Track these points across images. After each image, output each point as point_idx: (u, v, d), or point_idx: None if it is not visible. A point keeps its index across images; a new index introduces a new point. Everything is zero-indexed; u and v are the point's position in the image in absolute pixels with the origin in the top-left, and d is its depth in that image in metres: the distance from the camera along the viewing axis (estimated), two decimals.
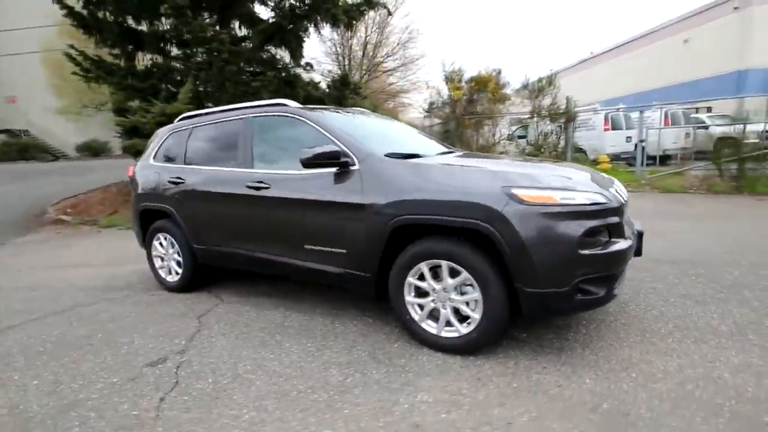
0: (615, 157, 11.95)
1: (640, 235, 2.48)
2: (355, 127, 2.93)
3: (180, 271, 3.55)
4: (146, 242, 3.73)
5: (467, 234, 2.16)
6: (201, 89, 9.07)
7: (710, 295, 2.88)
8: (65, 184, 11.63)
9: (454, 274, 2.20)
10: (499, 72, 13.78)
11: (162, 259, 3.71)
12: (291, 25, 9.27)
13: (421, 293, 2.36)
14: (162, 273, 3.71)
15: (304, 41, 10.57)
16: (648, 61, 21.69)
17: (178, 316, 3.08)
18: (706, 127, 12.75)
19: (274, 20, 9.40)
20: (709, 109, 15.69)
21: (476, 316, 2.16)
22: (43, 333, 2.90)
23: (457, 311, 2.26)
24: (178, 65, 10.35)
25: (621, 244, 2.10)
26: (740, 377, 1.93)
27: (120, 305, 3.39)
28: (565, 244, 1.96)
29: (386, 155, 2.49)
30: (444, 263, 2.20)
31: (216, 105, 8.85)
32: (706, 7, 18.12)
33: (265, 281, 3.72)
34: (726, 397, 1.80)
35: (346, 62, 17.44)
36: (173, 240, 3.51)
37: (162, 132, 3.82)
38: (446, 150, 3.28)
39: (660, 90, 18.86)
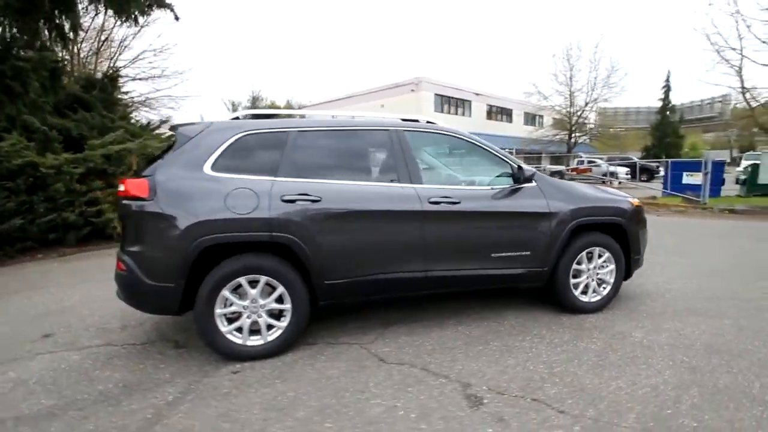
0: None
1: None
2: None
3: (284, 324, 2.58)
4: (207, 298, 2.42)
5: (603, 227, 3.30)
6: None
7: None
8: None
9: (599, 256, 3.27)
10: (289, 104, 14.54)
11: (230, 320, 2.52)
12: None
13: (573, 275, 3.25)
14: (234, 338, 2.51)
15: (79, 21, 7.68)
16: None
17: (356, 371, 2.42)
18: None
19: None
20: None
21: (611, 280, 3.32)
22: None
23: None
24: None
25: None
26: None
27: (223, 401, 2.15)
28: (646, 228, 3.51)
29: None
30: (596, 249, 3.24)
31: None
32: (394, 84, 25.99)
33: (340, 316, 3.24)
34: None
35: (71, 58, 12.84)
36: (274, 283, 2.54)
37: (219, 131, 2.59)
38: None
39: None
